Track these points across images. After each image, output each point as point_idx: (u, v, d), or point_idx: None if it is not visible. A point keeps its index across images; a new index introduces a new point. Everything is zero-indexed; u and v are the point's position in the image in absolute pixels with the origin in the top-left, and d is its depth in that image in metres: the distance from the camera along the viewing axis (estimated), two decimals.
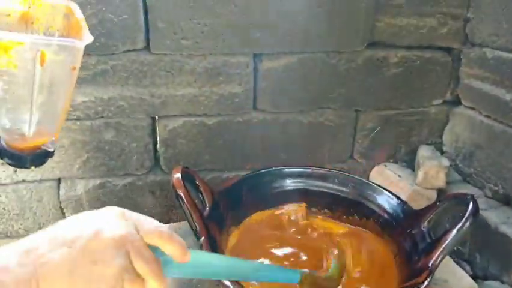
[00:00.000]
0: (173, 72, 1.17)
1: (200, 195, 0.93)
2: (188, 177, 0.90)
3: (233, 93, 1.22)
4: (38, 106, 0.66)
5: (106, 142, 1.22)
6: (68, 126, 1.19)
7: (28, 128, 0.67)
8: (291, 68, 1.23)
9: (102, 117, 1.20)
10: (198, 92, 1.20)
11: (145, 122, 1.22)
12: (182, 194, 0.84)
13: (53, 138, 0.72)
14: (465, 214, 0.80)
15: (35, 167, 0.73)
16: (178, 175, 0.87)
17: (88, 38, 0.68)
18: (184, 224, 1.04)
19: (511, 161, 1.15)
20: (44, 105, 0.67)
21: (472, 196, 0.83)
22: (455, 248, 1.22)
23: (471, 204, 0.82)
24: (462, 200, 0.85)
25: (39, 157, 0.71)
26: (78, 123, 1.20)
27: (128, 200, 1.29)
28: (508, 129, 1.15)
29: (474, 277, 1.11)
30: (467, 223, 0.80)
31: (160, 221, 1.28)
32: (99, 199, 1.28)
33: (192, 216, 0.84)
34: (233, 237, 0.97)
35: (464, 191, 1.23)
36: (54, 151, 0.72)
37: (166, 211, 1.32)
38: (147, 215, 1.34)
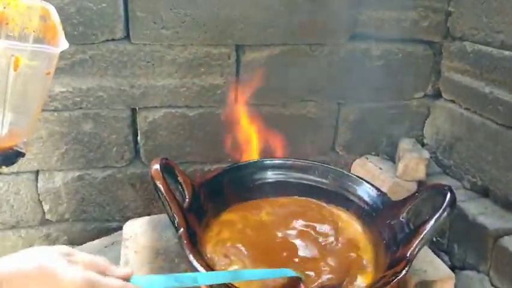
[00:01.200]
0: (154, 62, 1.15)
1: (180, 187, 0.92)
2: (167, 168, 0.89)
3: (215, 84, 1.21)
4: (11, 108, 0.65)
5: (84, 134, 1.21)
6: (46, 117, 1.17)
7: (0, 129, 0.66)
8: (273, 60, 1.22)
9: (81, 108, 1.18)
10: (179, 83, 1.18)
11: (124, 114, 1.20)
12: (160, 186, 0.83)
13: (25, 140, 0.70)
14: (442, 205, 0.81)
15: (6, 166, 0.72)
16: (157, 166, 0.85)
17: (64, 44, 0.67)
18: (164, 217, 1.02)
19: (490, 153, 1.16)
20: (17, 108, 0.66)
21: (450, 187, 0.84)
22: (434, 239, 1.24)
23: (448, 195, 0.82)
24: (440, 191, 0.85)
25: (11, 157, 0.70)
26: (56, 114, 1.18)
27: (107, 192, 1.27)
28: (487, 121, 1.17)
29: (452, 267, 1.13)
30: (445, 213, 0.80)
31: (140, 214, 1.28)
32: (78, 192, 1.26)
33: (170, 207, 0.82)
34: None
35: (443, 182, 1.24)
36: (25, 152, 0.71)
37: (146, 204, 1.31)
38: (127, 207, 1.35)
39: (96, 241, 1.21)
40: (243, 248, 0.90)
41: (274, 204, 1.04)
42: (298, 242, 0.93)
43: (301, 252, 0.90)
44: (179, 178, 0.92)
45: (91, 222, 1.31)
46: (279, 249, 0.91)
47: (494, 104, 1.14)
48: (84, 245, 1.20)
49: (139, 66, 1.15)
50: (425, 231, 0.80)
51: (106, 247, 1.19)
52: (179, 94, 1.19)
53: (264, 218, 0.99)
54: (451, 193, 0.83)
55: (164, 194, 0.83)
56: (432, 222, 0.80)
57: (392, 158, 1.41)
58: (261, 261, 0.87)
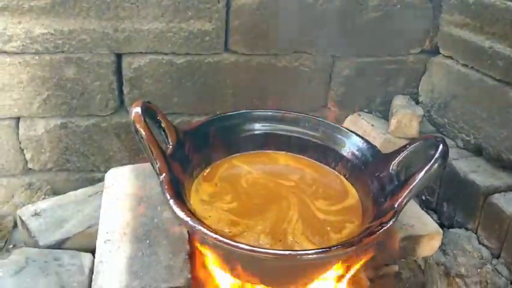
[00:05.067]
0: (138, 4, 1.09)
1: (163, 133, 0.88)
2: (150, 113, 0.84)
3: (203, 30, 1.15)
4: None
5: (67, 79, 1.16)
6: (27, 60, 1.12)
7: None
8: (265, 5, 1.16)
9: (63, 51, 1.12)
10: (165, 28, 1.12)
11: (108, 59, 1.15)
12: (141, 129, 0.79)
13: None
14: (434, 156, 0.78)
15: None
16: (138, 109, 0.81)
17: None
18: (148, 166, 0.99)
19: (485, 110, 1.13)
20: None
21: (442, 138, 0.81)
22: (423, 198, 1.22)
23: (441, 146, 0.79)
24: (432, 142, 0.81)
25: None
26: (37, 57, 1.12)
27: (92, 142, 1.23)
28: (485, 77, 1.13)
29: (441, 226, 1.12)
30: (436, 165, 0.77)
31: (125, 165, 1.24)
32: (61, 140, 1.22)
33: (152, 152, 0.79)
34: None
35: None
36: None
37: (132, 155, 1.27)
38: (112, 158, 1.31)
39: (79, 190, 1.18)
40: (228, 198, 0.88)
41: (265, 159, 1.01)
42: (284, 193, 0.91)
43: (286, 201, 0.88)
44: (162, 124, 0.88)
45: (75, 172, 1.28)
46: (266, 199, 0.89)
47: (493, 59, 1.09)
48: (67, 194, 1.17)
49: (123, 7, 1.09)
50: (415, 183, 0.77)
51: (89, 196, 1.16)
52: (166, 40, 1.14)
53: (251, 173, 0.96)
54: (443, 144, 0.79)
55: (146, 137, 0.79)
56: (422, 173, 0.78)
57: (385, 116, 1.37)
58: (246, 209, 0.85)
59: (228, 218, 0.83)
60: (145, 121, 0.81)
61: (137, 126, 0.80)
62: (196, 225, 0.69)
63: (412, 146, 0.86)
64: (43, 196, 1.25)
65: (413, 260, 1.00)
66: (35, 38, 1.09)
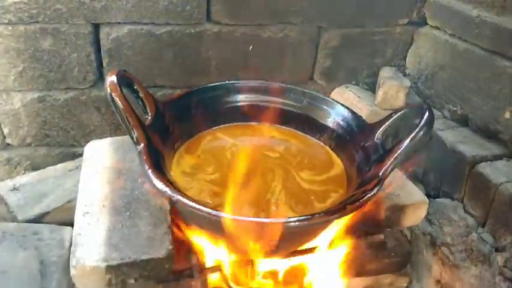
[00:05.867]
0: None
1: (141, 104, 0.85)
2: (126, 82, 0.81)
3: None
4: None
5: (43, 51, 1.11)
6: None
7: None
8: None
9: (37, 22, 1.08)
10: None
11: (86, 29, 1.10)
12: (117, 98, 0.76)
13: None
14: (419, 124, 0.76)
15: None
16: (114, 78, 0.77)
17: None
18: (128, 138, 0.96)
19: (473, 80, 1.11)
20: None
21: (428, 106, 0.79)
22: (410, 170, 1.21)
23: (426, 114, 0.77)
24: (417, 110, 0.80)
25: None
26: (10, 27, 1.07)
27: (71, 116, 1.20)
28: (472, 47, 1.11)
29: (427, 196, 1.11)
30: (421, 132, 0.75)
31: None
32: (39, 114, 1.18)
33: (129, 122, 0.76)
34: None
35: None
36: None
37: (113, 129, 1.24)
38: (93, 132, 1.27)
39: (59, 165, 1.15)
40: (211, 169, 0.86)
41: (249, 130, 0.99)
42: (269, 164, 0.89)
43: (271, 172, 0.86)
44: (140, 94, 0.85)
45: (56, 147, 1.24)
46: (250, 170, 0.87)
47: (480, 28, 1.07)
48: (46, 168, 1.14)
49: None
50: (400, 150, 0.76)
51: (70, 171, 1.13)
52: (145, 9, 1.09)
53: (235, 144, 0.94)
54: (428, 112, 0.78)
55: (122, 107, 0.76)
56: (407, 141, 0.76)
57: (372, 88, 1.35)
58: (229, 180, 0.83)
59: (210, 189, 0.81)
60: (121, 90, 0.78)
61: (113, 95, 0.77)
62: (175, 195, 0.67)
63: (397, 114, 0.85)
64: (23, 171, 1.22)
65: (399, 230, 0.99)
66: (7, 7, 1.04)
